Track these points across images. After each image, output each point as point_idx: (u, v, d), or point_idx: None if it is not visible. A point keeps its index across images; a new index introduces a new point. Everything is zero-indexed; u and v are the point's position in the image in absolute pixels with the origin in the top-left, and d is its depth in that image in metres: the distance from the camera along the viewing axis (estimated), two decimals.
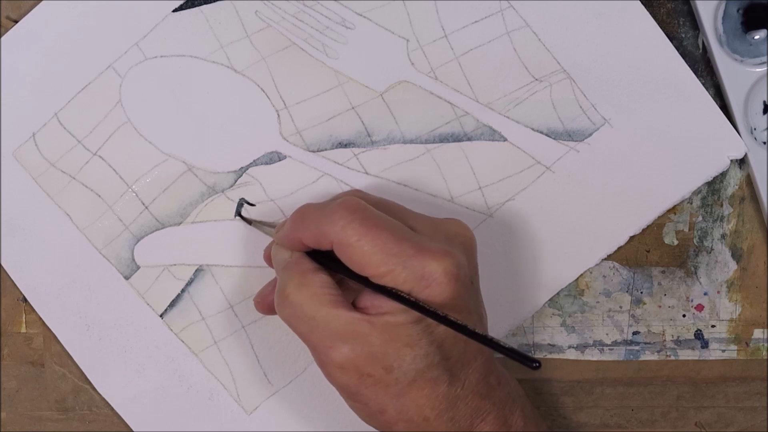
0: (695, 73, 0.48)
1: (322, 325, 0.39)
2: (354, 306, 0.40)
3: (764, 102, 0.48)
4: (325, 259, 0.41)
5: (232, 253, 0.48)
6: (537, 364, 0.36)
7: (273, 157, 0.48)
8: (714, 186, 0.49)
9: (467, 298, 0.39)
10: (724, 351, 0.50)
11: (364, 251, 0.38)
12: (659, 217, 0.49)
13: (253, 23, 0.48)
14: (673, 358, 0.50)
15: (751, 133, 0.48)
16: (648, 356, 0.50)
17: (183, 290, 0.48)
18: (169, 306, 0.48)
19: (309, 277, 0.40)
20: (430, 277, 0.38)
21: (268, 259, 0.45)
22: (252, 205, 0.48)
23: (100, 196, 0.48)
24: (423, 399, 0.39)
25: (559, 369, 0.50)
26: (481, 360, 0.40)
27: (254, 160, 0.48)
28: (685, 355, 0.50)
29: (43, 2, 0.47)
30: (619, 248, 0.48)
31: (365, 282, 0.39)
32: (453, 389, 0.39)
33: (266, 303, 0.44)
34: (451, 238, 0.41)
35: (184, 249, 0.48)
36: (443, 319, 0.37)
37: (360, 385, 0.39)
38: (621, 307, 0.49)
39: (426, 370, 0.39)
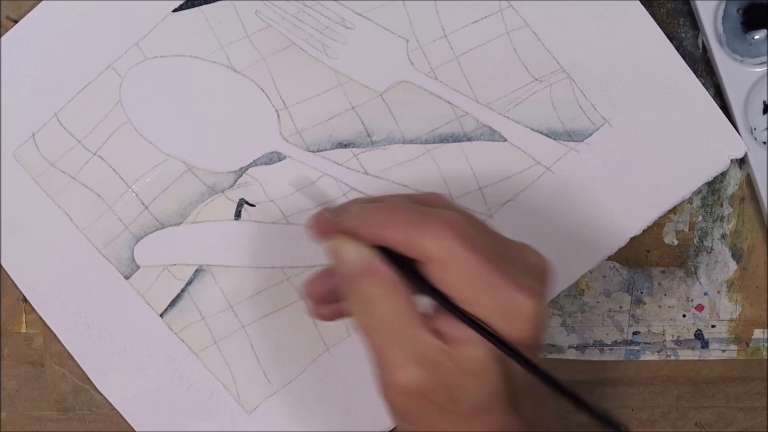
0: (695, 73, 0.48)
1: (399, 343, 0.37)
2: (428, 326, 0.37)
3: (764, 102, 0.48)
4: (401, 266, 0.37)
5: (232, 253, 0.48)
6: (624, 428, 0.34)
7: (273, 158, 0.48)
8: (714, 186, 0.49)
9: (542, 337, 0.38)
10: (724, 351, 0.50)
11: (459, 275, 0.36)
12: (659, 217, 0.48)
13: (253, 23, 0.48)
14: (673, 358, 0.50)
15: (751, 133, 0.48)
16: (648, 356, 0.50)
17: (183, 290, 0.48)
18: (169, 306, 0.48)
19: (397, 289, 0.37)
20: (518, 316, 0.36)
21: (317, 227, 0.39)
22: (252, 205, 0.48)
23: (100, 196, 0.48)
24: (478, 427, 0.37)
25: (559, 369, 0.50)
26: (537, 389, 0.39)
27: (254, 161, 0.48)
28: (685, 355, 0.50)
29: (43, 2, 0.47)
30: (619, 248, 0.48)
31: (449, 306, 0.37)
32: (509, 418, 0.38)
33: (314, 293, 0.41)
34: (537, 273, 0.39)
35: (184, 249, 0.48)
36: (526, 361, 0.36)
37: (419, 410, 0.37)
38: (621, 307, 0.49)
39: (490, 403, 0.37)
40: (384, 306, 0.37)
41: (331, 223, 0.39)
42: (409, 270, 0.37)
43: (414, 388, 0.37)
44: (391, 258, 0.37)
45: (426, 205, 0.39)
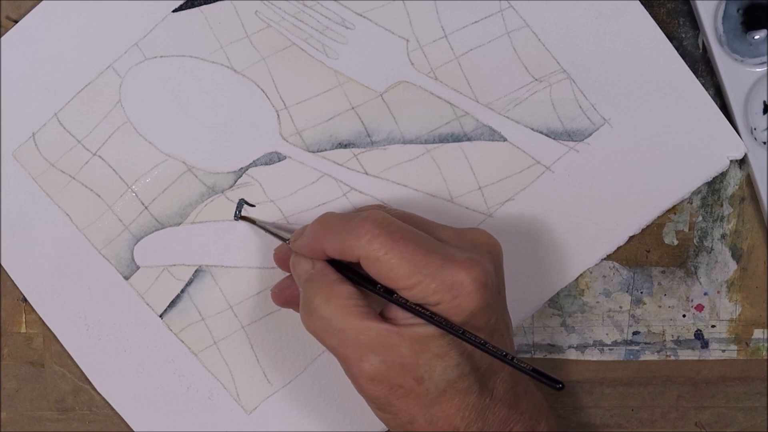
0: (695, 73, 0.48)
1: (352, 337, 0.39)
2: (382, 316, 0.40)
3: (764, 102, 0.48)
4: (347, 270, 0.41)
5: (232, 253, 0.48)
6: (560, 386, 0.36)
7: (273, 158, 0.48)
8: (714, 186, 0.49)
9: (495, 307, 0.40)
10: (724, 351, 0.50)
11: (392, 264, 0.38)
12: (659, 217, 0.48)
13: (253, 23, 0.48)
14: (673, 358, 0.50)
15: (751, 133, 0.48)
16: (648, 356, 0.50)
17: (182, 290, 0.48)
18: (168, 306, 0.48)
19: (336, 289, 0.40)
20: (459, 287, 0.38)
21: (280, 261, 0.45)
22: (252, 205, 0.48)
23: (99, 196, 0.48)
24: (453, 409, 0.39)
25: (559, 369, 0.50)
26: (509, 370, 0.40)
27: (254, 161, 0.48)
28: (685, 355, 0.50)
29: (43, 2, 0.47)
30: (619, 248, 0.48)
31: (387, 296, 0.39)
32: (482, 399, 0.39)
33: (284, 296, 0.45)
34: (477, 247, 0.41)
35: (183, 249, 0.48)
36: (463, 336, 0.38)
37: (390, 396, 0.39)
38: (621, 307, 0.49)
39: (456, 380, 0.39)
40: (328, 307, 0.39)
41: (284, 252, 0.45)
42: (350, 271, 0.40)
43: (378, 374, 0.39)
44: (337, 265, 0.41)
45: (361, 211, 0.42)
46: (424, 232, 0.40)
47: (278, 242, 0.46)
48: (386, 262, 0.38)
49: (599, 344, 0.50)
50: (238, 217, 0.48)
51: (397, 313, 0.40)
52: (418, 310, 0.39)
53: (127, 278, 0.48)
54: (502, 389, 0.40)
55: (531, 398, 0.41)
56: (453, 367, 0.39)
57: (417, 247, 0.38)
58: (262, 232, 0.47)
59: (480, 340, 0.38)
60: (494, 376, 0.40)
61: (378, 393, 0.39)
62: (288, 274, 0.45)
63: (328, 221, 0.41)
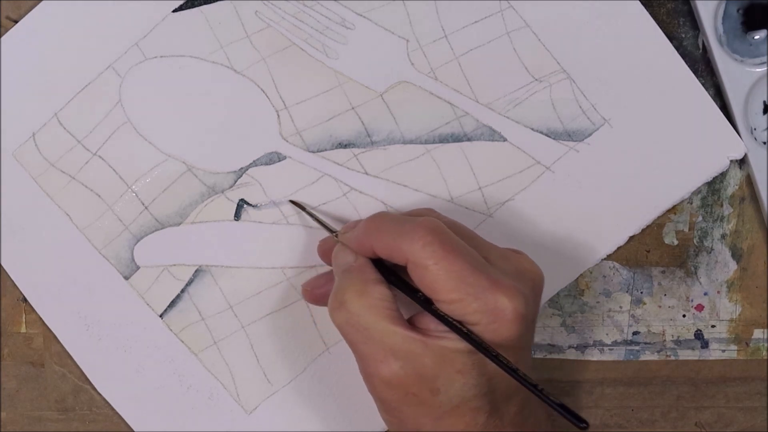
0: (695, 73, 0.48)
1: (376, 337, 0.39)
2: (410, 323, 0.40)
3: (764, 102, 0.48)
4: (388, 272, 0.41)
5: (232, 253, 0.48)
6: (585, 425, 0.35)
7: (273, 158, 0.48)
8: (714, 186, 0.49)
9: (528, 338, 0.40)
10: (724, 351, 0.50)
11: (439, 276, 0.38)
12: (659, 217, 0.48)
13: (253, 23, 0.48)
14: (673, 358, 0.50)
15: (751, 133, 0.48)
16: (648, 356, 0.50)
17: (183, 290, 0.48)
18: (168, 306, 0.48)
19: (370, 287, 0.39)
20: (499, 313, 0.38)
21: (324, 253, 0.45)
22: (252, 206, 0.48)
23: (99, 196, 0.48)
24: (461, 426, 0.39)
25: (559, 369, 0.50)
26: (522, 395, 0.40)
27: (254, 161, 0.48)
28: (685, 355, 0.50)
29: (43, 2, 0.47)
30: (619, 248, 0.48)
31: (426, 305, 0.39)
32: (492, 421, 0.39)
33: (315, 294, 0.45)
34: (522, 273, 0.40)
35: (183, 249, 0.48)
36: (497, 360, 0.37)
37: (402, 402, 0.39)
38: (621, 307, 0.49)
39: (471, 399, 0.39)
40: (358, 302, 0.39)
41: (330, 244, 0.44)
42: (392, 273, 0.40)
43: (395, 379, 0.39)
44: (379, 264, 0.41)
45: (415, 216, 0.41)
46: (472, 246, 0.40)
47: (277, 247, 0.46)
48: (434, 272, 0.38)
49: (599, 344, 0.50)
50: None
51: (429, 324, 0.39)
52: (456, 325, 0.38)
53: (127, 278, 0.48)
54: (512, 412, 0.40)
55: (536, 420, 0.41)
56: (472, 385, 0.38)
57: (466, 263, 0.38)
58: (263, 231, 0.47)
59: (513, 367, 0.37)
60: (508, 401, 0.40)
61: (390, 397, 0.39)
62: (321, 272, 0.45)
63: (383, 220, 0.41)
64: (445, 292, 0.38)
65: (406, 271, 0.40)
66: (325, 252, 0.45)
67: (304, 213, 0.47)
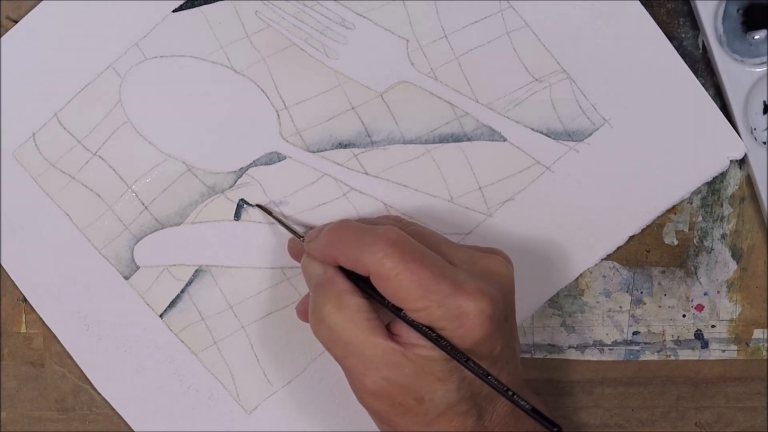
0: (695, 73, 0.48)
1: (357, 351, 0.39)
2: (389, 329, 0.40)
3: (764, 102, 0.48)
4: (358, 280, 0.40)
5: (232, 253, 0.48)
6: (557, 429, 0.35)
7: (273, 158, 0.48)
8: (714, 186, 0.49)
9: (500, 336, 0.40)
10: (724, 351, 0.50)
11: (402, 285, 0.38)
12: (659, 217, 0.48)
13: (253, 23, 0.48)
14: (673, 358, 0.50)
15: (751, 133, 0.48)
16: (648, 356, 0.50)
17: (183, 290, 0.48)
18: (168, 306, 0.48)
19: (345, 300, 0.40)
20: (464, 318, 0.38)
21: (293, 252, 0.46)
22: (252, 206, 0.48)
23: (99, 196, 0.48)
24: (451, 430, 0.39)
25: (559, 369, 0.50)
26: (505, 403, 0.40)
27: (254, 161, 0.48)
28: (685, 355, 0.50)
29: (43, 2, 0.47)
30: (619, 248, 0.48)
31: (399, 314, 0.39)
32: (480, 423, 0.40)
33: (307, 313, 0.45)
34: (488, 275, 0.40)
35: (183, 249, 0.48)
36: (468, 365, 0.38)
37: (391, 412, 0.39)
38: (621, 307, 0.49)
39: (456, 404, 0.39)
40: (336, 317, 0.39)
41: (299, 247, 0.44)
42: (361, 281, 0.40)
43: (379, 391, 0.39)
44: (349, 273, 0.40)
45: (379, 224, 0.42)
46: (438, 252, 0.40)
47: (277, 247, 0.46)
48: (396, 282, 0.38)
49: (599, 344, 0.50)
50: (248, 206, 0.47)
51: (402, 330, 0.39)
52: (425, 330, 0.38)
53: (127, 278, 0.48)
54: (500, 414, 0.40)
55: (527, 421, 0.41)
56: (453, 391, 0.39)
57: (428, 271, 0.38)
58: (263, 231, 0.47)
59: (483, 371, 0.37)
60: (494, 402, 0.40)
61: (379, 408, 0.40)
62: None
63: (343, 231, 0.41)
64: (410, 301, 0.38)
65: None
66: (295, 252, 0.46)
67: (271, 217, 0.47)
